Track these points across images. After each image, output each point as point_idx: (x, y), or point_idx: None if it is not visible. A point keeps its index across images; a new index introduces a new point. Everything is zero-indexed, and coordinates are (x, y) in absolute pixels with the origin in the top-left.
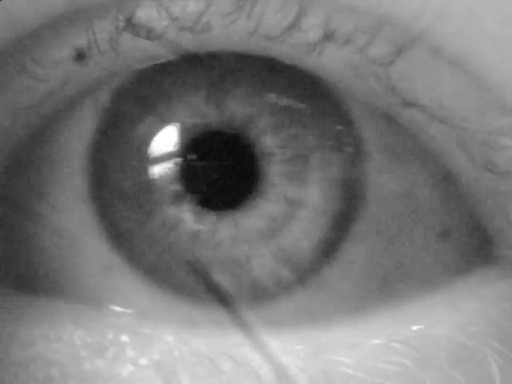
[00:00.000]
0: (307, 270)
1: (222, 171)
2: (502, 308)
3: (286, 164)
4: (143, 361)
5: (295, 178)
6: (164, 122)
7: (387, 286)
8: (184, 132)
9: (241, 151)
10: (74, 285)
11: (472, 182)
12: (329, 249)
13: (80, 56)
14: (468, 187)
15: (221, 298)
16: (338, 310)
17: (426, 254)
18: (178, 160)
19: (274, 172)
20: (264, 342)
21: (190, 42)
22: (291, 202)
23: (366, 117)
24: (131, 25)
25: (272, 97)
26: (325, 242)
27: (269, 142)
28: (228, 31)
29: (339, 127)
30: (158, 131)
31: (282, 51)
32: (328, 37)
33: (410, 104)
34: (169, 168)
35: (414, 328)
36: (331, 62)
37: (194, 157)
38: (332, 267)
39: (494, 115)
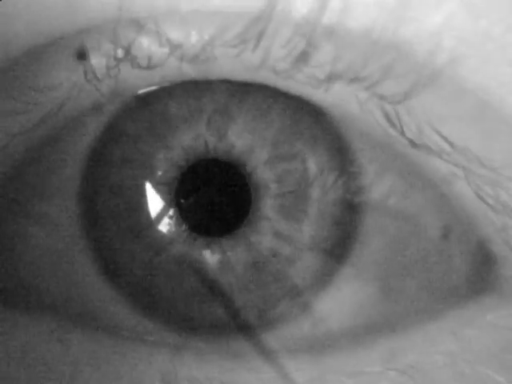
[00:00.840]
0: (299, 302)
1: (215, 199)
2: (500, 336)
3: (279, 198)
4: None
5: (287, 213)
6: (161, 143)
7: (384, 316)
8: (181, 156)
9: (236, 180)
10: (62, 300)
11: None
12: (322, 282)
13: (81, 56)
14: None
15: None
16: (337, 339)
17: (423, 285)
18: (174, 183)
19: (267, 205)
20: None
21: (192, 71)
22: (281, 237)
23: (368, 152)
24: (130, 54)
25: (273, 130)
26: (315, 277)
27: (265, 174)
28: (233, 63)
29: (338, 163)
30: (155, 153)
31: (289, 85)
32: (336, 74)
33: (417, 145)
34: (163, 190)
35: (412, 356)
36: (339, 97)
37: (188, 182)
38: (327, 299)
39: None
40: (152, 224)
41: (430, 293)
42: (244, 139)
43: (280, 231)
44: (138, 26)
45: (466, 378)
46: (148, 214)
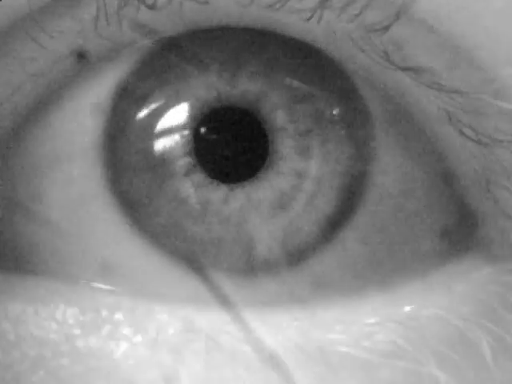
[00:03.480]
0: (308, 248)
1: (233, 145)
2: (493, 290)
3: (298, 138)
4: (138, 338)
5: (305, 152)
6: (176, 96)
7: (382, 270)
8: (196, 106)
9: (252, 125)
10: (70, 263)
11: (463, 164)
12: (330, 228)
13: (81, 56)
14: (460, 171)
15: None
16: (333, 290)
17: (421, 243)
18: (190, 134)
19: (285, 146)
20: (262, 320)
21: (193, 14)
22: (301, 176)
23: (370, 91)
24: None
25: (283, 73)
26: (330, 216)
27: (279, 117)
28: (225, 1)
29: (348, 102)
30: (170, 105)
31: (282, 21)
32: (325, 1)
33: (403, 68)
34: (180, 141)
35: (408, 308)
36: (330, 32)
37: (205, 130)
38: (331, 248)
39: (481, 84)
40: (173, 174)
41: (416, 252)
42: (255, 85)
43: (300, 170)
44: None
45: (461, 330)
46: (168, 165)
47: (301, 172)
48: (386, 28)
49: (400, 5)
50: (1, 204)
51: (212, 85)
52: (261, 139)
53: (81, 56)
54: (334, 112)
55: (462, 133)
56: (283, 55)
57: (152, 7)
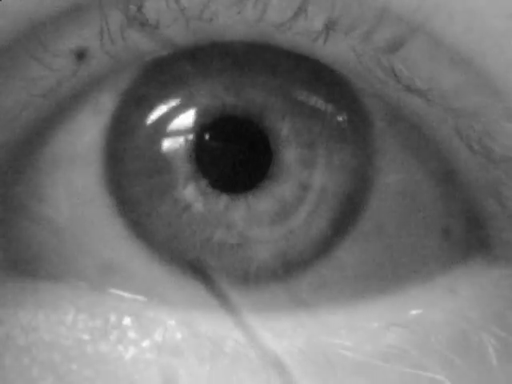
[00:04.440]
0: (312, 254)
1: (236, 154)
2: (500, 295)
3: (301, 149)
4: (146, 343)
5: (309, 163)
6: (180, 104)
7: (386, 274)
8: (200, 115)
9: (256, 135)
10: (77, 268)
11: (470, 173)
12: (334, 236)
13: (80, 55)
14: (466, 179)
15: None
16: (338, 294)
17: (425, 246)
18: (193, 142)
19: (288, 156)
20: (266, 326)
21: (199, 31)
22: (304, 187)
23: (375, 105)
24: (142, 14)
25: (288, 84)
26: (333, 225)
27: (283, 127)
28: (234, 20)
29: (353, 115)
30: (174, 113)
31: (290, 41)
32: (332, 23)
33: (411, 90)
34: (183, 149)
35: (413, 312)
36: (337, 52)
37: (209, 139)
38: (334, 254)
39: (490, 102)
40: (176, 183)
41: (423, 256)
42: (260, 96)
43: (303, 181)
44: None
45: (466, 334)
46: (170, 172)
47: (303, 182)
48: (395, 48)
49: (409, 26)
50: (1, 204)
51: (217, 94)
52: (264, 149)
53: (80, 56)
54: (339, 124)
55: (471, 148)
56: (288, 67)
57: (156, 27)
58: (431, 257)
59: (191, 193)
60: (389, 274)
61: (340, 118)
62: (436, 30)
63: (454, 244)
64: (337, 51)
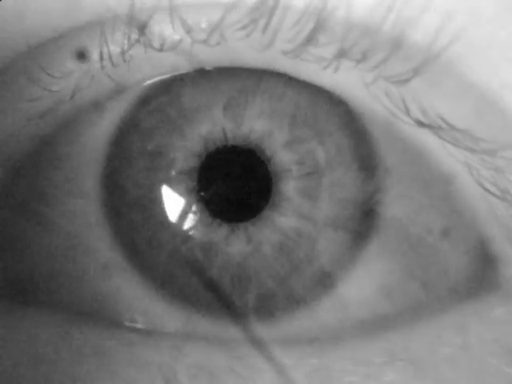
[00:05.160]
0: (319, 287)
1: (237, 184)
2: (509, 330)
3: (302, 180)
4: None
5: (310, 194)
6: (181, 133)
7: (394, 308)
8: (201, 144)
9: (257, 165)
10: (73, 291)
11: (481, 208)
12: (336, 270)
13: (81, 56)
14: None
15: (230, 311)
16: (346, 328)
17: (434, 282)
18: (194, 171)
19: (289, 187)
20: (272, 356)
21: (204, 55)
22: (305, 218)
23: (381, 135)
24: (144, 36)
25: (290, 113)
26: (336, 259)
27: (284, 157)
28: (243, 44)
29: (355, 145)
30: (175, 142)
31: (298, 69)
32: (343, 53)
33: (422, 124)
34: (183, 178)
35: (419, 348)
36: (347, 80)
37: (209, 168)
38: (336, 290)
39: (505, 142)
40: (175, 213)
41: (433, 291)
42: (261, 124)
43: (303, 212)
44: (152, 10)
45: (473, 370)
46: (170, 203)
47: (304, 214)
48: (406, 81)
49: (420, 59)
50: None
51: (217, 122)
52: (265, 179)
53: (80, 56)
54: (342, 156)
55: (483, 186)
56: (291, 95)
57: (160, 49)
58: (441, 292)
59: (191, 223)
60: (397, 308)
61: (345, 149)
62: (452, 62)
63: (465, 280)
64: (346, 80)
